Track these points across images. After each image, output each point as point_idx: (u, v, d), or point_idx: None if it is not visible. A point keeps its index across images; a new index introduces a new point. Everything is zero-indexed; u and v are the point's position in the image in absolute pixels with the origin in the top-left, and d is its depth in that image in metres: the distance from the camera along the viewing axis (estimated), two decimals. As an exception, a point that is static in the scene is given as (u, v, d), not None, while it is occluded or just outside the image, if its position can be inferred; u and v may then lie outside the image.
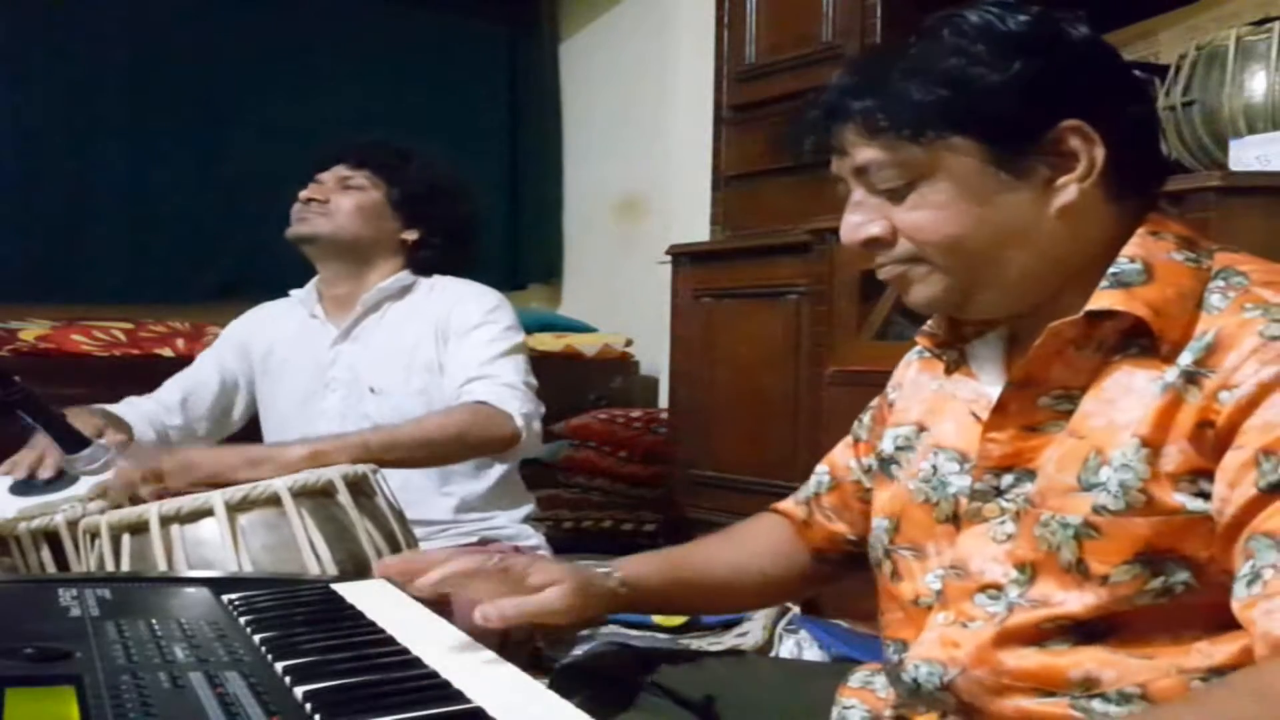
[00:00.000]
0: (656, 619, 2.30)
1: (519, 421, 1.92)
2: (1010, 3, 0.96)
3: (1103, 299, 0.92)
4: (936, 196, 0.95)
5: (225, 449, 1.90)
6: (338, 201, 2.13)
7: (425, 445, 1.85)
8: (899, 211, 0.97)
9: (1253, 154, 1.85)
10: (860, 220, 0.99)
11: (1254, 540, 0.83)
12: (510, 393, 1.96)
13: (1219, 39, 1.96)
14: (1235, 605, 0.84)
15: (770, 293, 2.76)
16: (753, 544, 1.24)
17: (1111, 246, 0.95)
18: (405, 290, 2.15)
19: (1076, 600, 0.90)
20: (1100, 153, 0.93)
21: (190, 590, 1.20)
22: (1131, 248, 0.94)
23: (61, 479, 1.72)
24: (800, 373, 2.61)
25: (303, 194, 2.13)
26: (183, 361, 2.34)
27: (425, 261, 2.19)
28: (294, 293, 2.26)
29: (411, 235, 2.17)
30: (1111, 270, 0.93)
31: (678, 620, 2.34)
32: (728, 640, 2.34)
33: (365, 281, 2.14)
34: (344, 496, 1.61)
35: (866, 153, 0.97)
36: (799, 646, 2.24)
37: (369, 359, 2.11)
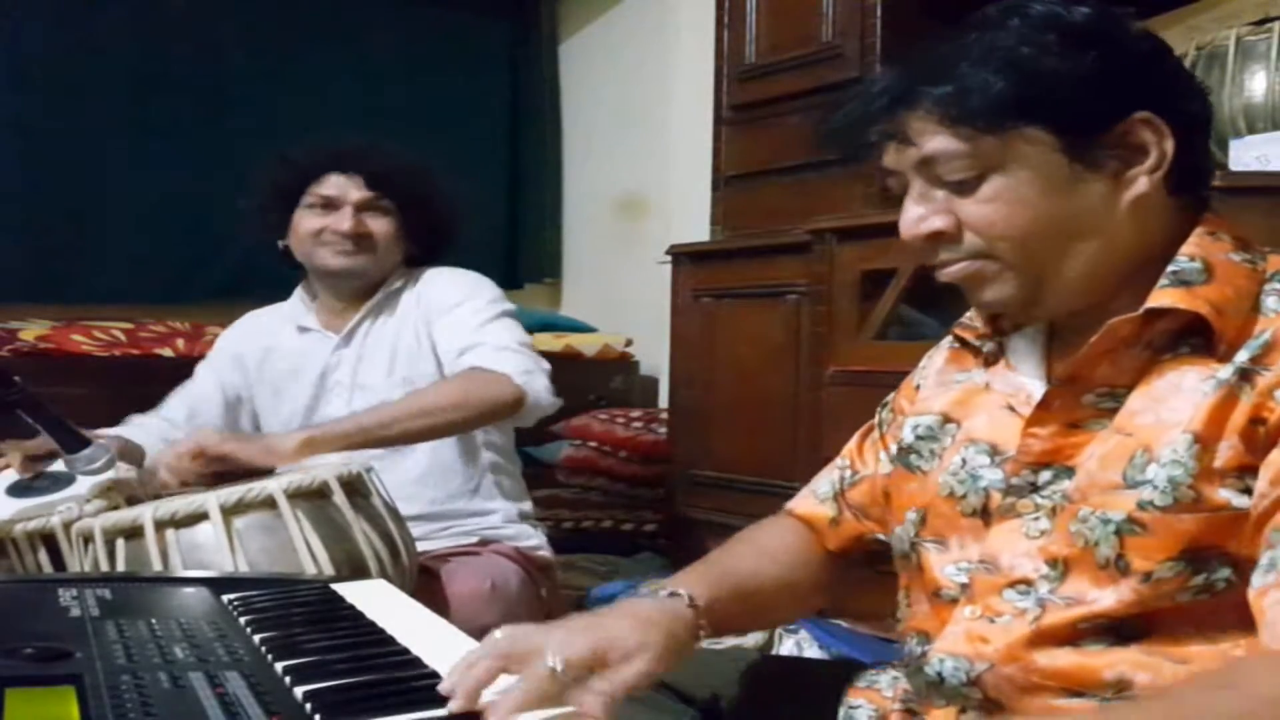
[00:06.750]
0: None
1: (518, 380, 1.88)
2: None
3: (1164, 296, 0.91)
4: (1009, 189, 0.93)
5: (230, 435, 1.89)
6: (376, 234, 2.08)
7: (423, 415, 1.82)
8: (967, 204, 0.94)
9: (1253, 154, 1.85)
10: (923, 213, 0.96)
11: (1276, 532, 0.83)
12: (502, 354, 1.92)
13: (1219, 39, 1.96)
14: (1250, 594, 0.84)
15: (770, 293, 2.76)
16: (784, 555, 1.19)
17: (1169, 245, 0.95)
18: (400, 291, 2.15)
19: (1111, 596, 0.89)
20: (1170, 145, 0.92)
21: (190, 590, 1.20)
22: (1190, 246, 0.94)
23: (61, 479, 1.72)
24: (800, 373, 2.60)
25: (343, 226, 2.05)
26: (183, 361, 2.33)
27: (416, 260, 2.18)
28: (284, 306, 2.25)
29: (412, 249, 2.17)
30: (1171, 269, 0.93)
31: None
32: (728, 639, 2.33)
33: (366, 294, 2.14)
34: (339, 497, 1.61)
35: (937, 141, 0.93)
36: (799, 646, 2.23)
37: (363, 358, 2.11)
